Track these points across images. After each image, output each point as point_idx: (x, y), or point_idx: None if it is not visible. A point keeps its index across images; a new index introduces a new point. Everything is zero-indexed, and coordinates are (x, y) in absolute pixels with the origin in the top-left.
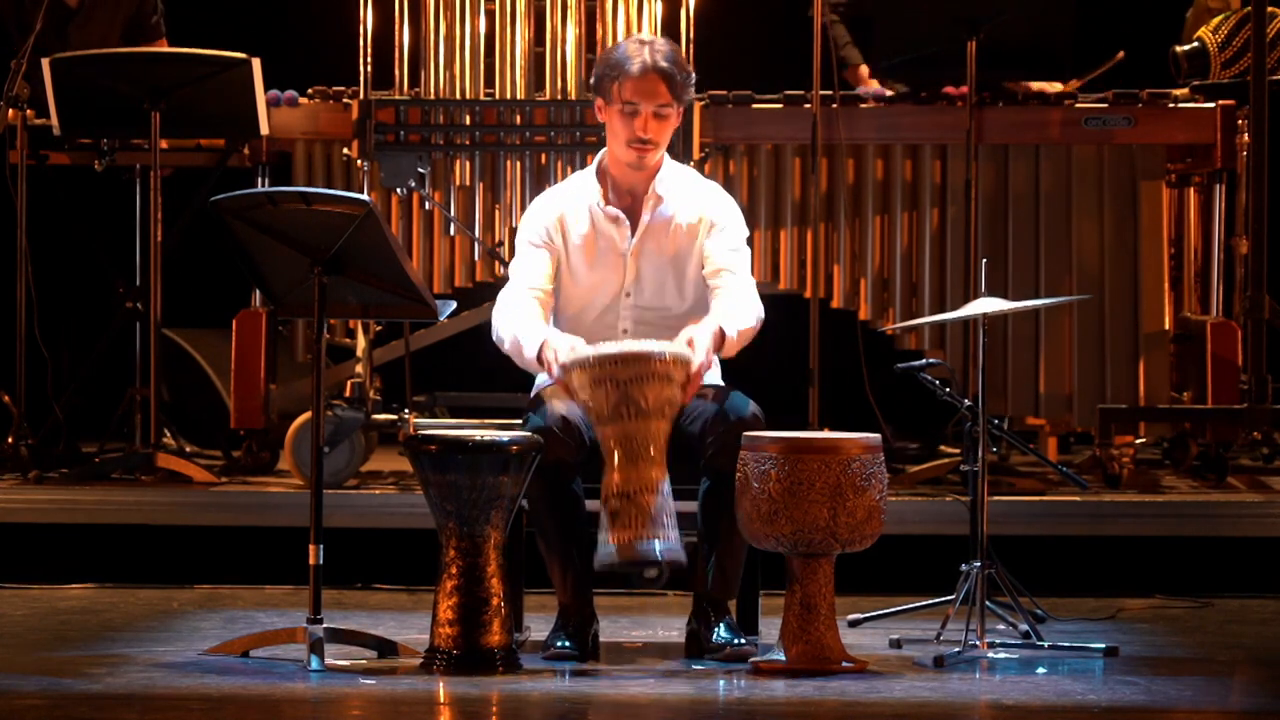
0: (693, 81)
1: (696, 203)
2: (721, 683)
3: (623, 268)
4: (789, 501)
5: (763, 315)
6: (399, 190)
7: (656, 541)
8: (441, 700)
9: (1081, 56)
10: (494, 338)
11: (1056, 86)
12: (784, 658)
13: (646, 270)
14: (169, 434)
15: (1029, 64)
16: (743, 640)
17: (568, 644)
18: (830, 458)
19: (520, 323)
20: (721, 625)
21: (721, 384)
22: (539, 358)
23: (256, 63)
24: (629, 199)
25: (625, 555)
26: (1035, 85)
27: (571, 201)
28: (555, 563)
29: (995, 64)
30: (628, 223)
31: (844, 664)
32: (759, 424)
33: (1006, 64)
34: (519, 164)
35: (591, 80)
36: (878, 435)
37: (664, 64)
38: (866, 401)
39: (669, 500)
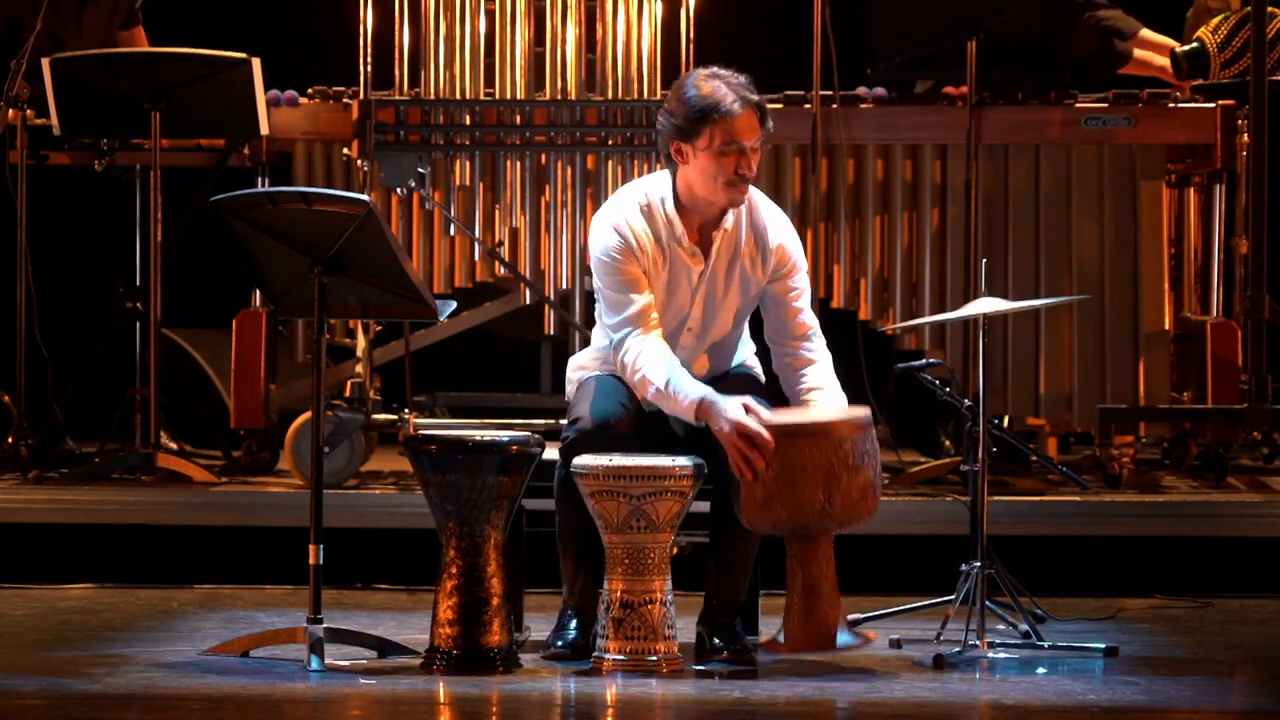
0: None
1: (764, 235)
2: (722, 683)
3: (689, 301)
4: (782, 487)
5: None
6: (399, 190)
7: (657, 656)
8: (441, 700)
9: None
10: (633, 382)
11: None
12: (788, 639)
13: (710, 303)
14: (166, 434)
15: (1029, 64)
16: (740, 646)
17: (568, 645)
18: (821, 441)
19: (667, 367)
20: (726, 630)
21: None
22: (699, 414)
23: (256, 63)
24: (698, 234)
25: (629, 667)
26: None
27: (657, 231)
28: (569, 563)
29: (995, 64)
30: (702, 257)
31: (852, 640)
32: None
33: (1006, 64)
34: (519, 164)
35: (669, 123)
36: (867, 411)
37: (755, 96)
38: (867, 401)
39: (670, 607)
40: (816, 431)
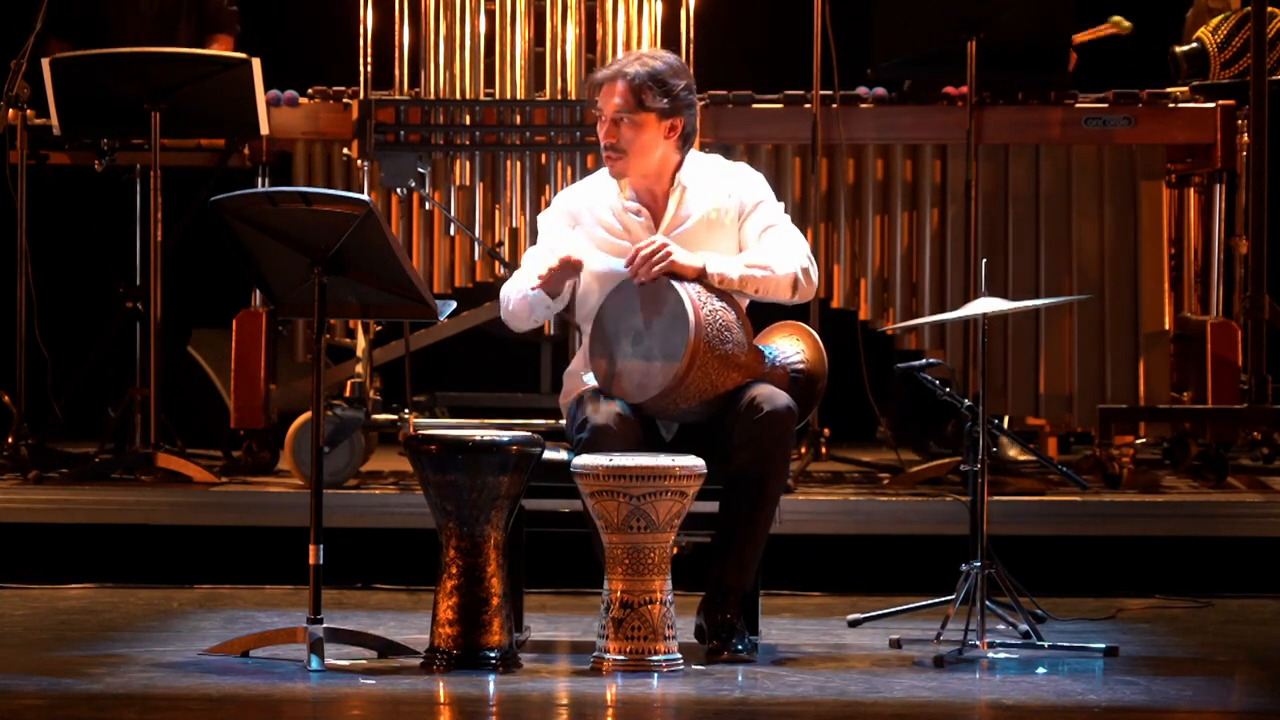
0: (678, 90)
1: (724, 188)
2: (722, 683)
3: None
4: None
5: (806, 266)
6: (399, 190)
7: (658, 656)
8: (441, 700)
9: (1084, 56)
10: (503, 316)
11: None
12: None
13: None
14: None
15: (1029, 64)
16: (742, 647)
17: None
18: (695, 367)
19: (515, 284)
20: (728, 628)
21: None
22: (545, 277)
23: (256, 63)
24: (649, 196)
25: (629, 667)
26: None
27: (590, 199)
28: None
29: (995, 64)
30: (650, 218)
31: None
32: (791, 418)
33: (1006, 64)
34: (519, 164)
35: None
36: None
37: (630, 69)
38: (867, 401)
39: (670, 607)
40: (684, 373)
